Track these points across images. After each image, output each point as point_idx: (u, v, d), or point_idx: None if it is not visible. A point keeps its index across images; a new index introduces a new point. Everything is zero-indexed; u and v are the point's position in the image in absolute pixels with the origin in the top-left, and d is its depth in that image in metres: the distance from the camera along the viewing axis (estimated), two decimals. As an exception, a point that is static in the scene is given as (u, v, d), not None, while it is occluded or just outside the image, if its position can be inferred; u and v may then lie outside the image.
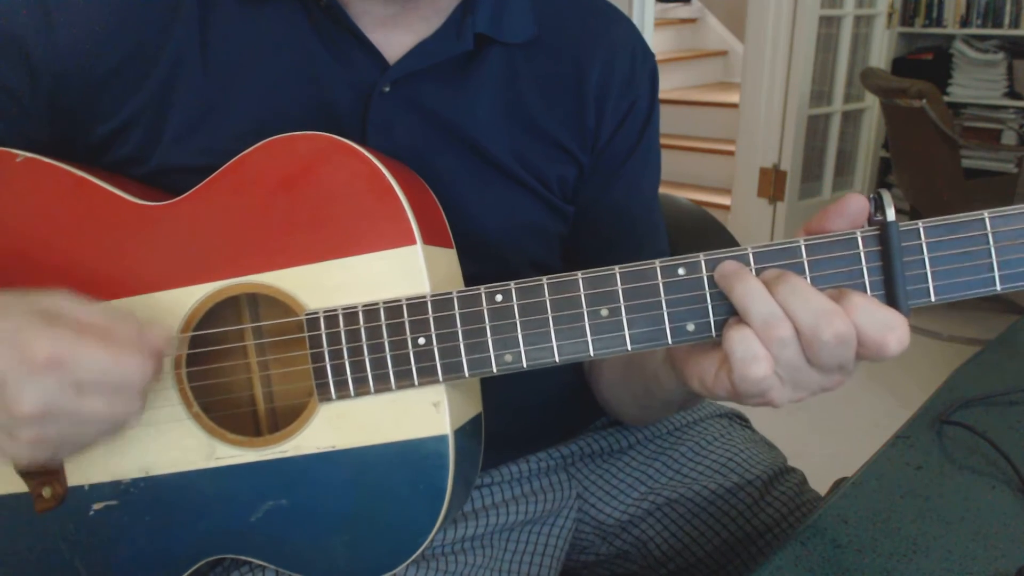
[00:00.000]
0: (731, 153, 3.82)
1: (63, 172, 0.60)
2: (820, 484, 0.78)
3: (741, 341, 0.46)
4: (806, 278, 0.48)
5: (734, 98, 4.07)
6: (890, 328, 0.45)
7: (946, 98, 3.42)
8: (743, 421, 0.86)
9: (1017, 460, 0.63)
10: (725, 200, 3.92)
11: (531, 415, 0.75)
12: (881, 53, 3.65)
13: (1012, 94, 3.50)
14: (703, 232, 1.06)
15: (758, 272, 0.48)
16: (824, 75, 3.51)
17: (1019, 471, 0.62)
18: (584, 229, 0.74)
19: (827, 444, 2.16)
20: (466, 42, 0.64)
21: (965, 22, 3.55)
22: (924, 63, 3.63)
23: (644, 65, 0.73)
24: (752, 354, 0.46)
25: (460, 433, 0.56)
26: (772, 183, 3.53)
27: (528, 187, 0.68)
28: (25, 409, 0.46)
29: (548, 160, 0.69)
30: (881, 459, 0.65)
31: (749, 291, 0.47)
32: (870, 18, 3.61)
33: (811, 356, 0.47)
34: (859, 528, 0.57)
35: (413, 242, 0.55)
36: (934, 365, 2.64)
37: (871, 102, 3.62)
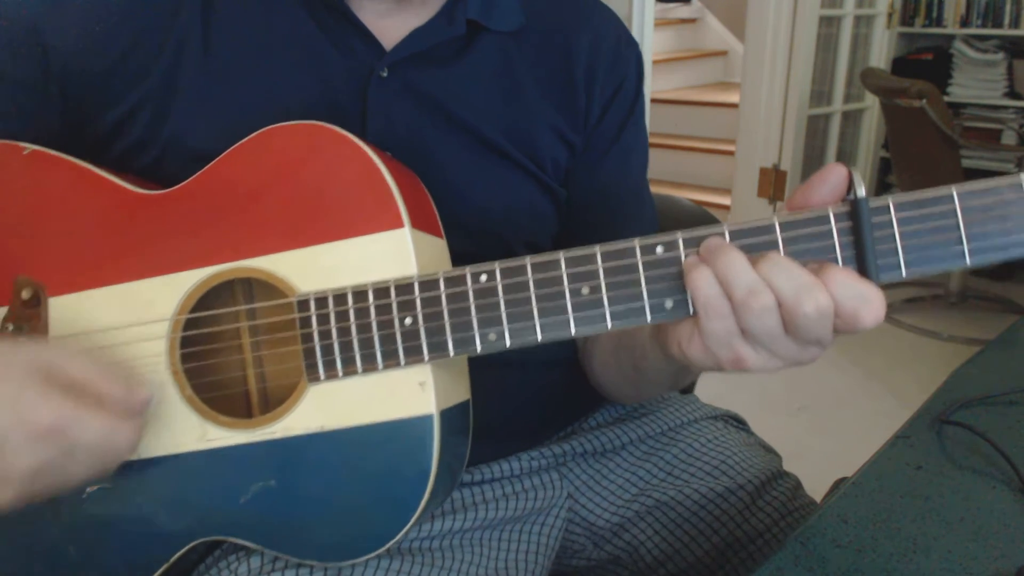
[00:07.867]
0: (731, 153, 3.82)
1: (67, 163, 0.62)
2: (820, 484, 0.78)
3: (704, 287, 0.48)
4: (780, 254, 0.49)
5: (734, 98, 4.06)
6: (865, 301, 0.46)
7: (946, 98, 3.42)
8: (740, 423, 0.86)
9: (1017, 460, 0.63)
10: (725, 200, 3.92)
11: (524, 408, 0.75)
12: (881, 53, 3.64)
13: (1012, 94, 3.50)
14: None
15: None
16: (824, 75, 3.51)
17: (1019, 471, 0.62)
18: (574, 211, 0.76)
19: (827, 444, 2.16)
20: (458, 27, 0.67)
21: (965, 22, 3.55)
22: (924, 63, 3.63)
23: (630, 50, 0.77)
24: (716, 309, 0.47)
25: (446, 415, 0.57)
26: (772, 183, 3.53)
27: (523, 167, 0.70)
28: (22, 468, 0.49)
29: (543, 142, 0.71)
30: (881, 459, 0.66)
31: (732, 263, 0.47)
32: (870, 18, 3.61)
33: (791, 328, 0.47)
34: (859, 528, 0.57)
35: (401, 225, 0.56)
36: (934, 365, 2.65)
37: (871, 102, 3.62)
